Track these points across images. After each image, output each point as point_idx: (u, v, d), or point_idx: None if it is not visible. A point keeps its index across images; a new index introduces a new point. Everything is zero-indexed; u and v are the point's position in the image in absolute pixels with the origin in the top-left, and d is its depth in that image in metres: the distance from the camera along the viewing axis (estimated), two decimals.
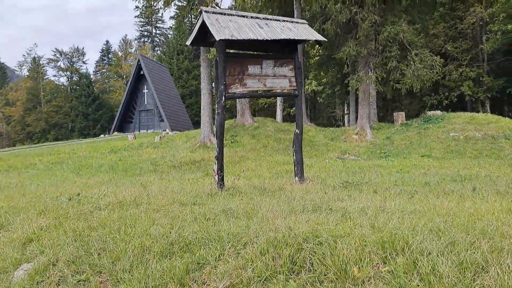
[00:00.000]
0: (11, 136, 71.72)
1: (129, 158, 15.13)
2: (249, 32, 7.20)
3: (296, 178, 8.27)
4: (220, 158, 7.39)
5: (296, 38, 7.69)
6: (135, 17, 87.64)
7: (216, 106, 7.40)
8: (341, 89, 36.23)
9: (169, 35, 74.79)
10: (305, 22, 8.71)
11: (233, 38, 6.84)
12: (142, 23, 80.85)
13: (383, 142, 17.26)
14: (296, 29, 8.14)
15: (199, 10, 7.13)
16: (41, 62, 75.65)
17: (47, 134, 68.88)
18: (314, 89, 41.26)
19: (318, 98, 45.44)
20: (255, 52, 8.26)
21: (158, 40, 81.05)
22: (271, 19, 8.07)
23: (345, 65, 18.23)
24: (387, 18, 17.49)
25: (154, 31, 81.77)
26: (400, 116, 19.54)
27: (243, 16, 7.65)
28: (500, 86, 31.41)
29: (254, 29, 7.43)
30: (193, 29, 7.36)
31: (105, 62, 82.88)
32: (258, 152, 15.12)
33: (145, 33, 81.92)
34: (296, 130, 8.32)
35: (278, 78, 8.11)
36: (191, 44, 7.55)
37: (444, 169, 11.06)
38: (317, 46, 31.34)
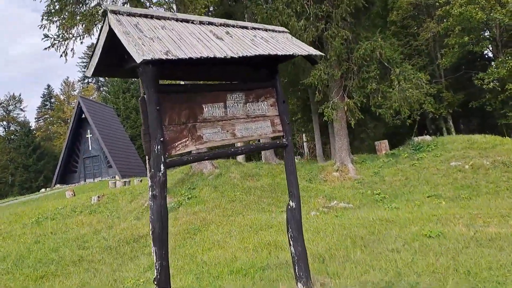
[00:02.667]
0: None
1: (51, 236, 11.20)
2: (198, 46, 3.97)
3: (299, 285, 4.91)
4: (164, 278, 3.96)
5: (279, 53, 4.55)
6: (72, 57, 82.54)
7: (150, 182, 4.02)
8: (302, 116, 33.73)
9: None
10: (285, 30, 5.62)
11: (170, 57, 3.58)
12: (85, 64, 76.18)
13: (372, 179, 14.35)
14: (275, 41, 5.01)
15: (102, 10, 3.81)
16: None
17: None
18: None
19: None
20: (212, 82, 5.02)
21: (102, 80, 76.43)
22: (233, 26, 4.89)
23: (316, 91, 15.41)
24: (359, 33, 14.97)
25: None
26: (383, 145, 16.86)
27: (186, 21, 4.42)
28: (460, 101, 30.30)
29: (208, 41, 4.22)
30: (94, 48, 4.02)
31: (47, 107, 76.85)
32: (223, 210, 11.67)
33: None
34: (291, 203, 5.06)
35: (254, 120, 4.89)
36: (94, 74, 4.19)
37: (480, 219, 8.16)
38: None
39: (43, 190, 40.22)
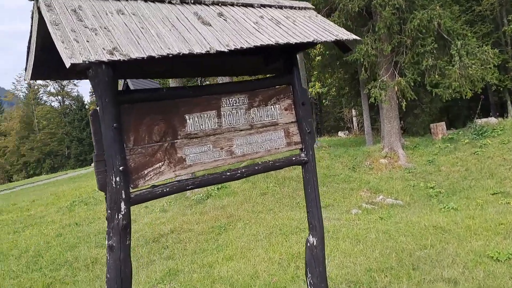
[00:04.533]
0: (6, 168, 68.17)
1: (74, 228, 10.74)
2: (168, 38, 2.77)
3: None
4: None
5: (291, 41, 3.24)
6: None
7: (107, 233, 2.96)
8: (349, 91, 31.60)
9: None
10: (309, 5, 4.23)
11: (116, 58, 2.42)
12: None
13: (425, 168, 12.66)
14: (290, 22, 3.67)
15: None
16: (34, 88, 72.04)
17: (43, 163, 65.30)
18: (318, 92, 36.82)
19: (323, 101, 41.01)
20: (200, 83, 3.80)
21: None
22: (232, 4, 3.59)
23: (362, 68, 13.69)
24: (413, 0, 12.94)
25: None
26: (439, 128, 14.90)
27: (161, 0, 3.19)
28: None
29: (187, 28, 3.00)
30: (28, 43, 2.93)
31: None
32: (253, 205, 10.62)
33: None
34: (311, 239, 3.84)
35: (261, 131, 3.66)
36: (34, 77, 3.13)
37: None
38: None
39: (92, 165, 41.36)
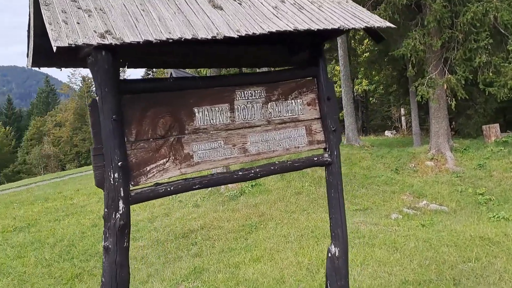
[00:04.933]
0: (60, 157, 71.76)
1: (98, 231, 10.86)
2: (170, 22, 2.51)
3: None
4: None
5: (312, 27, 2.88)
6: None
7: (104, 234, 2.75)
8: (397, 89, 30.29)
9: None
10: None
11: (108, 42, 2.19)
12: None
13: (475, 173, 11.76)
14: (315, 7, 3.30)
15: None
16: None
17: None
18: (365, 89, 35.71)
19: (370, 99, 39.73)
20: (212, 73, 3.53)
21: None
22: None
23: (409, 64, 12.92)
24: None
25: None
26: (493, 131, 13.83)
27: None
28: None
29: (195, 11, 2.72)
30: (28, 28, 2.77)
31: (150, 75, 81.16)
32: (287, 205, 10.28)
33: None
34: (333, 249, 3.49)
35: (280, 127, 3.33)
36: (35, 64, 2.98)
37: None
38: (367, 39, 25.84)
39: None
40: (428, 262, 6.29)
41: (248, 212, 9.96)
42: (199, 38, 2.46)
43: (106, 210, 2.69)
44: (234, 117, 3.14)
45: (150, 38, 2.31)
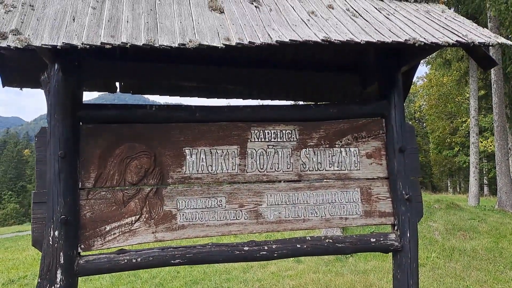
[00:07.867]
0: None
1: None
2: (125, 26, 1.75)
3: None
4: None
5: (368, 40, 1.81)
6: None
7: None
8: None
9: None
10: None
11: (3, 44, 1.53)
12: None
13: None
14: (384, 16, 2.20)
15: None
16: None
17: None
18: None
19: None
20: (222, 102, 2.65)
21: None
22: None
23: None
24: None
25: None
26: None
27: None
28: None
29: (181, 16, 1.92)
30: None
31: None
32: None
33: None
34: None
35: (318, 186, 2.23)
36: (6, 84, 2.51)
37: None
38: None
39: None
40: None
41: (352, 279, 8.39)
42: (157, 45, 1.64)
43: (39, 280, 1.97)
44: (245, 166, 2.19)
45: (75, 43, 1.58)
